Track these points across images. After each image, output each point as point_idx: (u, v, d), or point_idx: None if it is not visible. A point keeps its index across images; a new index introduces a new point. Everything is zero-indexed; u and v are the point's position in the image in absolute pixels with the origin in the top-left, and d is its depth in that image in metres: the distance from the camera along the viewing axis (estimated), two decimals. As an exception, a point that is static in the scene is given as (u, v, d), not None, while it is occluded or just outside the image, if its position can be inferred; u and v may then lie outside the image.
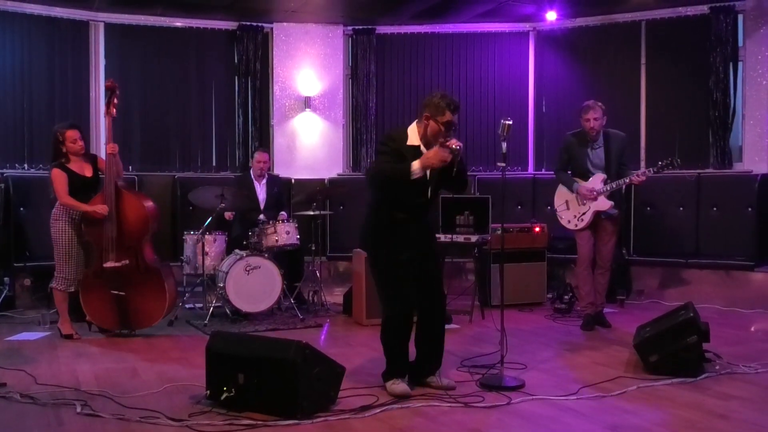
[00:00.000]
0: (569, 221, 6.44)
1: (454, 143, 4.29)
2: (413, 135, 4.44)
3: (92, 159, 6.13)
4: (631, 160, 7.07)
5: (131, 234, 5.99)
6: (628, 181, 6.17)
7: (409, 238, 4.40)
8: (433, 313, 4.56)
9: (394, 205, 4.43)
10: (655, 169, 6.17)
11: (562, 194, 6.51)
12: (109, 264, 5.90)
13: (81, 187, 5.95)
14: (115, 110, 6.07)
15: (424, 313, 4.56)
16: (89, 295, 5.99)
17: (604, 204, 6.26)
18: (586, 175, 6.35)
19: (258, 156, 7.69)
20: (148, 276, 6.04)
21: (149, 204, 6.17)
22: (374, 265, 4.56)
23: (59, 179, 5.88)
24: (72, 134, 5.96)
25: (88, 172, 6.03)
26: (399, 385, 4.40)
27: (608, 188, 6.22)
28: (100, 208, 5.84)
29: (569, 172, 6.50)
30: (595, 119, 6.21)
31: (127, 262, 5.96)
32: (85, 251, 6.03)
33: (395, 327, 4.47)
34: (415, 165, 4.24)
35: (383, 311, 4.53)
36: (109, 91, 6.05)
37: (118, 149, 6.00)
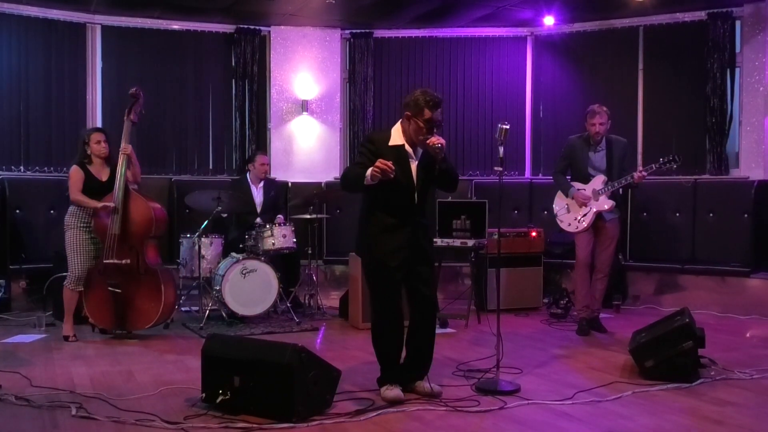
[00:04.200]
0: (569, 224, 6.47)
1: (435, 140, 4.24)
2: (396, 134, 4.41)
3: (112, 165, 6.21)
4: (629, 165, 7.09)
5: (134, 234, 6.06)
6: (630, 179, 6.20)
7: (399, 244, 4.36)
8: (422, 318, 4.53)
9: (384, 209, 4.40)
10: (656, 166, 6.20)
11: (563, 197, 6.54)
12: (109, 260, 5.95)
13: (94, 190, 6.06)
14: (136, 116, 6.18)
15: (414, 318, 4.54)
16: (91, 290, 6.05)
17: (605, 204, 6.30)
18: (587, 178, 6.39)
19: (261, 159, 7.70)
20: (147, 277, 6.09)
21: (156, 207, 6.26)
22: (365, 271, 4.56)
23: (75, 176, 6.03)
24: (97, 135, 6.15)
25: (104, 177, 6.15)
26: (391, 391, 4.40)
27: (609, 187, 6.25)
28: (106, 203, 5.94)
29: (569, 176, 6.54)
30: (600, 124, 6.27)
31: (128, 261, 6.02)
32: (96, 251, 6.09)
33: (381, 334, 4.48)
34: (367, 173, 4.19)
35: (371, 318, 4.54)
36: (133, 98, 6.17)
37: (131, 150, 6.12)
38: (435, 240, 6.64)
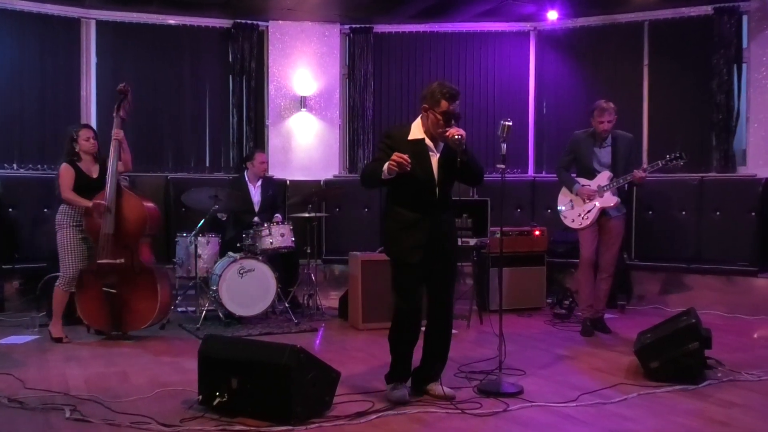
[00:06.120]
0: (573, 220, 6.46)
1: (454, 132, 4.22)
2: (416, 129, 4.41)
3: (101, 161, 6.21)
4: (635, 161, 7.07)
5: (128, 233, 6.06)
6: (629, 178, 6.20)
7: (420, 240, 4.34)
8: (439, 318, 4.53)
9: (405, 205, 4.39)
10: (662, 163, 6.19)
11: (567, 193, 6.53)
12: (103, 260, 5.95)
13: (85, 187, 6.05)
14: (125, 113, 6.17)
15: (431, 318, 4.54)
16: (83, 292, 6.04)
17: (610, 200, 6.29)
18: (592, 174, 6.38)
19: (260, 157, 7.70)
20: (142, 277, 6.09)
21: (149, 205, 6.27)
22: (391, 267, 4.51)
23: (66, 174, 6.02)
24: (86, 132, 6.17)
25: (94, 173, 6.16)
26: (398, 391, 4.39)
27: (614, 184, 6.25)
28: (96, 202, 5.92)
29: (574, 173, 6.55)
30: (609, 121, 6.27)
31: (123, 260, 6.02)
32: (89, 251, 6.09)
33: (399, 331, 4.45)
34: (384, 167, 4.19)
35: (393, 309, 4.49)
36: (121, 95, 6.16)
37: (123, 135, 6.11)
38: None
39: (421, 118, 4.42)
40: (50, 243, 6.49)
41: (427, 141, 4.38)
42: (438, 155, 4.40)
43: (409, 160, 4.14)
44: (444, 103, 4.27)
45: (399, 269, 4.41)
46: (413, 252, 4.35)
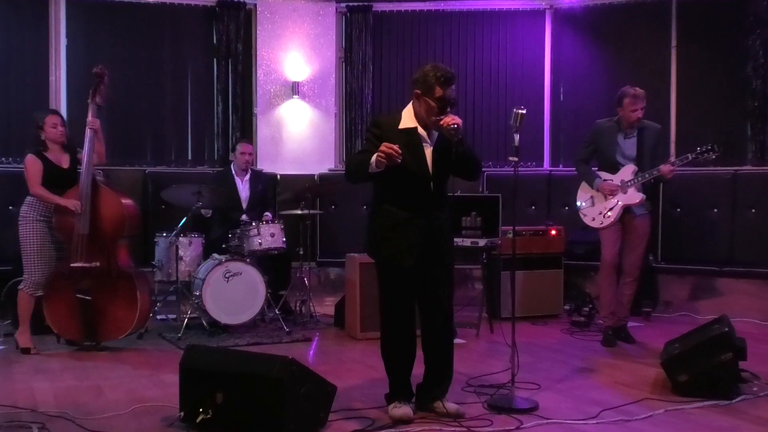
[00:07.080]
0: (594, 218, 6.46)
1: (449, 120, 4.18)
2: (407, 117, 4.37)
3: (71, 150, 6.19)
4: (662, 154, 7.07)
5: (105, 233, 6.05)
6: (656, 173, 6.19)
7: (414, 241, 4.33)
8: (436, 327, 4.51)
9: (395, 202, 4.37)
10: (692, 156, 6.18)
11: (587, 188, 6.53)
12: (77, 264, 5.93)
13: (56, 179, 6.02)
14: (101, 99, 6.17)
15: (428, 328, 4.52)
16: (53, 298, 6.01)
17: (634, 197, 6.28)
18: (615, 167, 6.37)
19: (242, 148, 7.70)
20: (120, 282, 6.08)
21: (128, 202, 6.26)
22: (377, 273, 4.52)
23: (33, 167, 5.97)
24: (52, 119, 6.13)
25: (65, 164, 6.13)
26: (399, 409, 4.36)
27: (639, 179, 6.24)
28: (71, 203, 5.90)
29: (595, 166, 6.54)
30: (642, 109, 6.25)
31: (98, 264, 6.00)
32: (58, 251, 6.07)
33: (391, 345, 4.45)
34: (372, 159, 4.14)
35: (382, 321, 4.51)
36: (97, 79, 6.15)
37: (99, 124, 6.10)
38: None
39: (412, 104, 4.38)
40: (15, 243, 6.48)
41: (420, 130, 4.35)
42: (432, 146, 4.37)
43: (400, 152, 4.11)
44: (438, 89, 4.23)
45: (390, 274, 4.40)
46: (407, 254, 4.32)
